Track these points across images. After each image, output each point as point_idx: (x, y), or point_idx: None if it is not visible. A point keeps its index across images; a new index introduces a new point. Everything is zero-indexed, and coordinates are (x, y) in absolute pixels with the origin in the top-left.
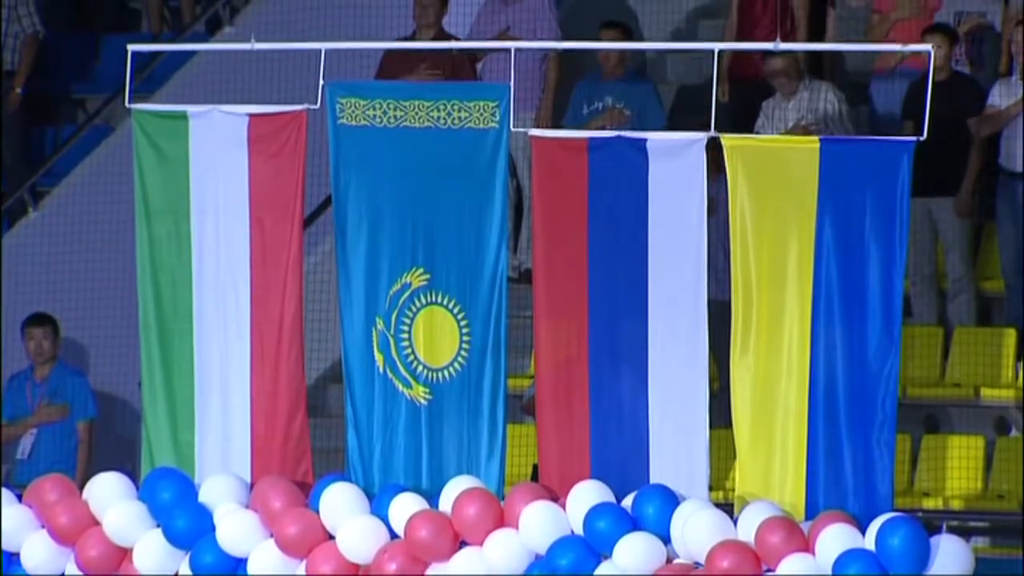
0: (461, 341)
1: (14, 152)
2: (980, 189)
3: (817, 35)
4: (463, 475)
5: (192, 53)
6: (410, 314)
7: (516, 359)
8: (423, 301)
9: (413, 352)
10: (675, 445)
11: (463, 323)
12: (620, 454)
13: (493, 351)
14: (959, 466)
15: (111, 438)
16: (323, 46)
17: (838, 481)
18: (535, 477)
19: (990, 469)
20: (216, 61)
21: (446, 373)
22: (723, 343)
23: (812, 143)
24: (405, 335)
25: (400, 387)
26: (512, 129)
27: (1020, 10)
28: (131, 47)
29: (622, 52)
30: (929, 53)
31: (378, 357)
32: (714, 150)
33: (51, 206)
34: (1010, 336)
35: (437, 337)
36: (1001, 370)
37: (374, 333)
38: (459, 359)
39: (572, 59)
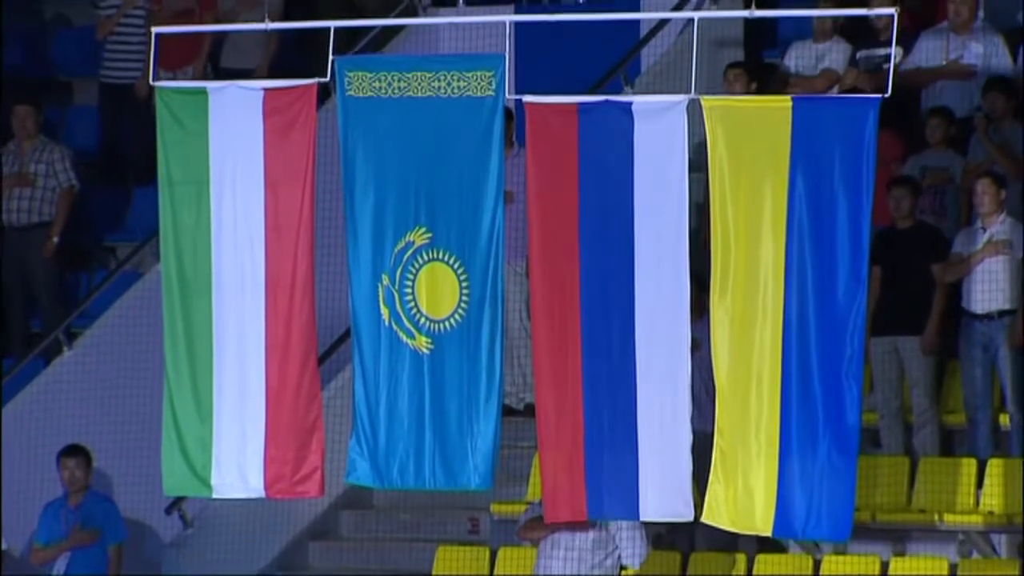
0: (461, 294)
1: (50, 296)
2: (944, 329)
3: None
4: None
5: None
6: (413, 270)
7: (513, 487)
8: (425, 258)
9: (416, 305)
10: None
11: (463, 277)
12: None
13: (491, 302)
14: None
15: (138, 560)
16: (332, 24)
17: (810, 412)
18: None
19: None
20: None
21: (447, 324)
22: (707, 472)
23: (785, 102)
24: (409, 290)
25: (404, 338)
26: (508, 96)
27: (979, 164)
28: (154, 29)
29: None
30: (893, 16)
31: (384, 311)
32: (698, 289)
33: (84, 346)
34: (971, 465)
35: (438, 291)
36: (962, 497)
37: (380, 289)
38: (459, 311)
39: None
